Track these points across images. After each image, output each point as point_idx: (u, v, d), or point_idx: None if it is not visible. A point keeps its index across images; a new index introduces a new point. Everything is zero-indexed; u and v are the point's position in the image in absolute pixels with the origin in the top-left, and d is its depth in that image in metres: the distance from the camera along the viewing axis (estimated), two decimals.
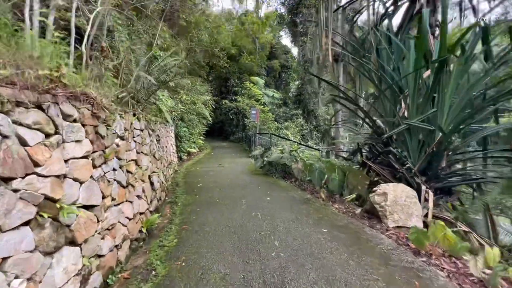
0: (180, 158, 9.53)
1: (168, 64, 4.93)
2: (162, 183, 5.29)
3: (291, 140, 10.67)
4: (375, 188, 3.80)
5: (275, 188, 5.55)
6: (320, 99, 24.34)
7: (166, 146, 6.77)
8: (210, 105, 14.79)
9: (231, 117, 19.11)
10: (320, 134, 24.48)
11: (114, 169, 2.83)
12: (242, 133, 18.07)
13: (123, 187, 3.04)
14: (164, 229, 3.59)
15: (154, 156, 4.85)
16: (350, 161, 5.78)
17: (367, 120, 4.90)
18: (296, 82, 28.23)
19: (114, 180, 2.82)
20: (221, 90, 24.87)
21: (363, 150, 5.38)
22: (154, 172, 4.51)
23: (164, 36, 8.07)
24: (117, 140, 2.99)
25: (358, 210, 3.98)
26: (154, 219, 3.61)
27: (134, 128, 3.72)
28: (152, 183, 4.27)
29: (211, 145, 16.42)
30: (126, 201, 3.11)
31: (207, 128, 14.92)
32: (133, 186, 3.36)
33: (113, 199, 2.73)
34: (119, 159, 3.01)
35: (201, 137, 13.31)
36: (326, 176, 4.73)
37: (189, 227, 3.61)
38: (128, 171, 3.26)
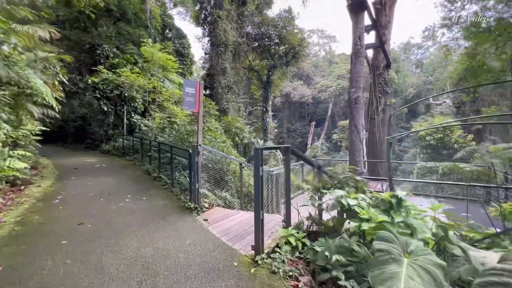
0: None
1: None
2: None
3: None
4: None
5: None
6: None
7: None
8: (55, 77, 6.65)
9: (104, 109, 10.74)
10: (242, 146, 19.26)
11: None
12: (130, 137, 10.29)
13: None
14: None
15: None
16: None
17: None
18: (201, 73, 22.26)
19: None
20: (80, 71, 14.93)
21: None
22: None
23: None
24: None
25: None
26: None
27: None
28: None
29: (59, 166, 7.59)
30: None
31: (45, 129, 6.62)
32: None
33: None
34: None
35: (24, 151, 5.22)
36: None
37: None
38: None
